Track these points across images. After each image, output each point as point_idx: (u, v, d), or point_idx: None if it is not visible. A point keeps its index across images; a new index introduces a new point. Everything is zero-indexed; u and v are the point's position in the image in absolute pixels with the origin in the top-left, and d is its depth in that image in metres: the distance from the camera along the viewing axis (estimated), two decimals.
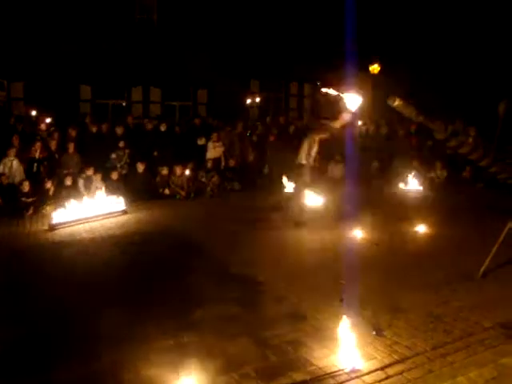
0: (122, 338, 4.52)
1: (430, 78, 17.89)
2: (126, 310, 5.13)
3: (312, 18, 18.04)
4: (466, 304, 5.45)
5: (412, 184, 13.34)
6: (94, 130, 12.31)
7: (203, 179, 12.03)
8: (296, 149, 9.00)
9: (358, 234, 8.25)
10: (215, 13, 16.67)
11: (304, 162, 8.97)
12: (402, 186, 13.40)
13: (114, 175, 11.09)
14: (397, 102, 4.74)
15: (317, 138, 9.01)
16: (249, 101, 18.63)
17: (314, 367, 4.02)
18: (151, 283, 6.02)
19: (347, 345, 4.13)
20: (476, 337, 4.66)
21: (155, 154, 12.38)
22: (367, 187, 12.42)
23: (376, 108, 13.51)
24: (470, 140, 5.91)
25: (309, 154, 8.96)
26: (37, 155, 10.94)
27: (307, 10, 17.88)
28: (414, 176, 13.51)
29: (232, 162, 12.73)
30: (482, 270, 6.31)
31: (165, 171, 11.63)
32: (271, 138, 13.57)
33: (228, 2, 16.68)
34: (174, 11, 16.76)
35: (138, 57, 16.15)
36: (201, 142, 12.88)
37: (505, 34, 16.94)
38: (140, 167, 11.45)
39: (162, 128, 12.84)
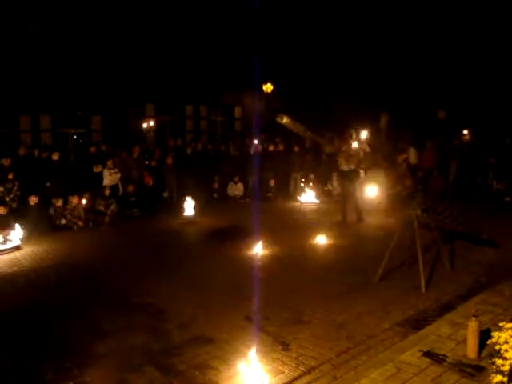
0: None
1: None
2: (20, 354, 4.78)
3: (206, 41, 18.27)
4: (366, 309, 5.71)
5: (309, 197, 13.81)
6: None
7: (101, 207, 11.61)
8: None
9: (259, 249, 8.36)
10: (107, 36, 16.32)
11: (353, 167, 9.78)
12: (300, 199, 13.84)
13: (3, 209, 10.37)
14: (285, 120, 4.90)
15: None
16: (145, 125, 18.34)
17: None
18: (49, 323, 5.64)
19: (254, 363, 4.13)
20: (376, 339, 4.89)
21: (48, 184, 11.76)
22: (266, 203, 12.74)
23: (272, 126, 13.87)
24: (360, 153, 6.29)
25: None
26: None
27: (201, 33, 18.08)
28: (311, 189, 13.99)
29: (130, 188, 12.41)
30: (378, 274, 6.65)
31: (59, 203, 11.07)
32: (169, 162, 13.45)
33: (120, 25, 16.40)
34: (62, 34, 16.17)
35: (25, 83, 15.34)
36: (97, 169, 12.45)
37: (376, 54, 18.37)
38: (32, 200, 10.80)
39: (55, 157, 12.24)
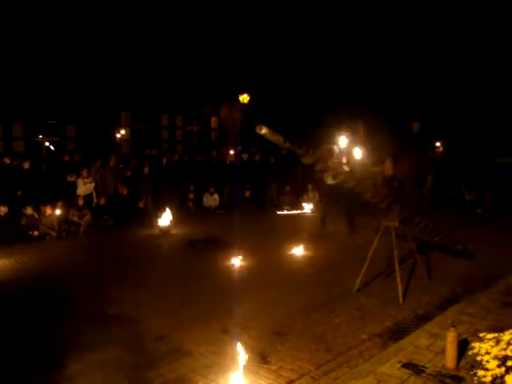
0: None
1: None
2: None
3: (183, 51, 18.22)
4: (344, 320, 5.69)
5: (285, 208, 13.85)
6: None
7: (75, 218, 11.39)
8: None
9: (236, 260, 8.29)
10: (82, 44, 16.12)
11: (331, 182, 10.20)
12: (276, 210, 13.86)
13: None
14: (264, 130, 4.86)
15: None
16: (118, 135, 18.15)
17: None
18: (20, 337, 5.46)
19: (233, 376, 4.06)
20: (355, 350, 4.86)
21: (19, 193, 11.47)
22: (242, 214, 12.69)
23: (249, 136, 13.87)
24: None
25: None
26: None
27: (178, 43, 18.03)
28: (287, 200, 14.02)
29: (102, 201, 12.19)
30: (356, 285, 6.65)
31: (29, 211, 10.79)
32: (145, 171, 13.31)
33: (96, 34, 16.23)
34: (34, 40, 15.91)
35: None
36: (71, 178, 12.23)
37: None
38: (1, 210, 10.51)
39: (26, 165, 11.95)
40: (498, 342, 3.16)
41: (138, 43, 17.19)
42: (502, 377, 3.01)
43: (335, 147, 8.50)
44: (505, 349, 3.09)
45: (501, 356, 3.07)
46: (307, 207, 13.88)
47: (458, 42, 17.86)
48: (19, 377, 4.46)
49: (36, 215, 10.94)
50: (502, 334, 3.22)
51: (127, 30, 16.85)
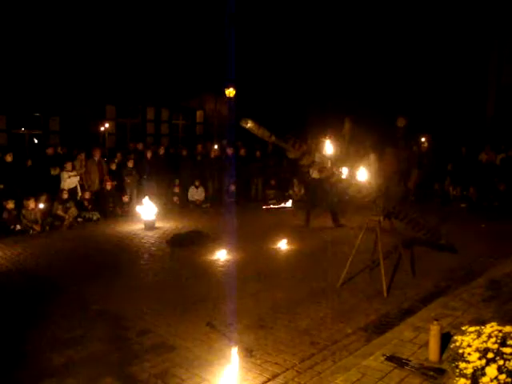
0: None
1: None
2: None
3: (168, 44, 18.07)
4: (329, 314, 5.72)
5: (271, 202, 13.87)
6: None
7: (59, 212, 11.27)
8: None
9: (221, 254, 8.29)
10: (66, 35, 15.89)
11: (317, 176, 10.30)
12: (262, 204, 13.87)
13: None
14: (249, 124, 4.85)
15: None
16: (104, 127, 17.99)
17: None
18: (2, 332, 5.39)
19: (218, 370, 4.06)
20: (340, 344, 4.89)
21: (1, 187, 11.33)
22: (227, 208, 12.70)
23: (234, 130, 13.83)
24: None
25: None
26: None
27: (163, 36, 17.87)
28: (273, 194, 14.04)
29: (87, 195, 12.09)
30: (340, 279, 6.68)
31: (10, 205, 10.64)
32: (129, 165, 13.21)
33: (81, 24, 16.01)
34: (17, 32, 15.63)
35: None
36: (55, 172, 12.10)
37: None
38: None
39: (9, 158, 11.79)
40: (479, 334, 3.19)
41: (124, 36, 17.00)
42: (483, 368, 3.05)
43: (321, 142, 8.56)
44: (486, 341, 3.13)
45: (482, 348, 3.11)
46: (292, 201, 13.92)
47: (440, 35, 17.98)
48: (1, 372, 4.40)
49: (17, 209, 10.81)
50: (483, 327, 3.26)
51: (112, 23, 16.65)
